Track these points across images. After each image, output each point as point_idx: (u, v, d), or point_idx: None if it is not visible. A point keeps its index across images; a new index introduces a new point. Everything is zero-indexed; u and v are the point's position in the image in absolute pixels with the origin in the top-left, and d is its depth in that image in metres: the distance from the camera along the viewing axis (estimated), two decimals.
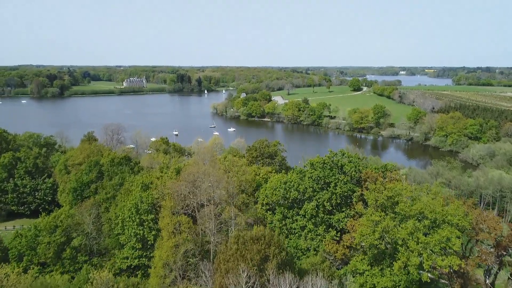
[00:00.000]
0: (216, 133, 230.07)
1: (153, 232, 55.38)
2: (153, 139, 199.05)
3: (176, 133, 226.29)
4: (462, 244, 47.20)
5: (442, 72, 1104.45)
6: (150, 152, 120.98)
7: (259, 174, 73.85)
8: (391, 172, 57.65)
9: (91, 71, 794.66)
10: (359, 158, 58.76)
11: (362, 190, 53.89)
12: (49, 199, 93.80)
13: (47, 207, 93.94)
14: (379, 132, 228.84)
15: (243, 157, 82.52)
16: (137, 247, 55.44)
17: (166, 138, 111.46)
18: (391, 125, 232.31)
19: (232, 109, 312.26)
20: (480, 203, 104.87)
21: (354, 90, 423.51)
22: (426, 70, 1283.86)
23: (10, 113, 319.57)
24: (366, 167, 57.75)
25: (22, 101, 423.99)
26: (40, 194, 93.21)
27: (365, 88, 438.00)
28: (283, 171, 77.36)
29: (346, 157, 59.66)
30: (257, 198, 65.33)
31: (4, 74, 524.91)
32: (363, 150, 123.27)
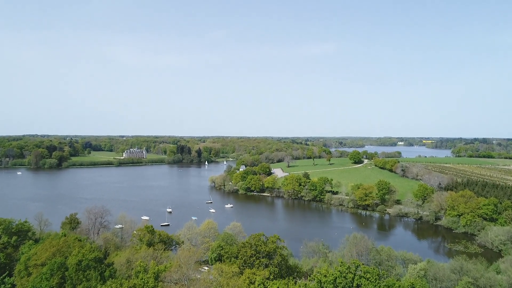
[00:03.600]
0: (212, 210, 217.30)
1: None
2: (144, 218, 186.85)
3: (170, 210, 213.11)
4: None
5: (440, 143, 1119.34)
6: (136, 232, 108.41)
7: (254, 282, 60.92)
8: None
9: (93, 141, 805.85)
10: (378, 275, 46.97)
11: None
12: None
13: None
14: (385, 210, 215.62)
15: (236, 259, 70.08)
16: None
17: (151, 226, 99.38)
18: (397, 202, 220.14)
19: (230, 183, 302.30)
20: None
21: (355, 162, 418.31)
22: (424, 141, 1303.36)
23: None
24: None
25: (18, 173, 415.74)
26: None
27: (366, 161, 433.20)
28: (284, 278, 64.44)
29: (361, 270, 47.98)
30: None
31: (5, 145, 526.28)
32: (372, 240, 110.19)
